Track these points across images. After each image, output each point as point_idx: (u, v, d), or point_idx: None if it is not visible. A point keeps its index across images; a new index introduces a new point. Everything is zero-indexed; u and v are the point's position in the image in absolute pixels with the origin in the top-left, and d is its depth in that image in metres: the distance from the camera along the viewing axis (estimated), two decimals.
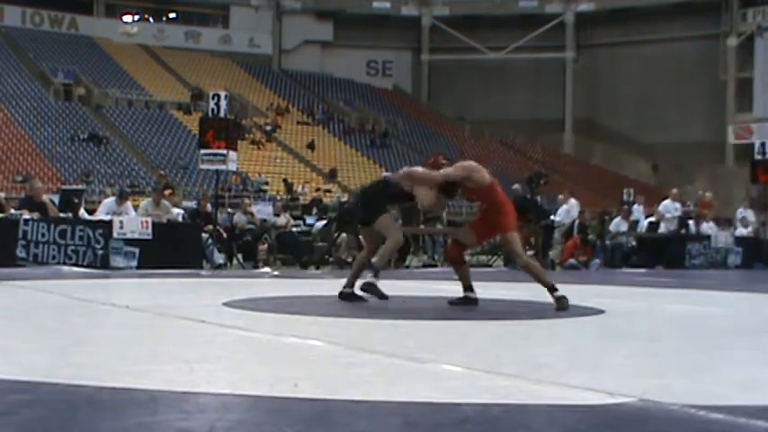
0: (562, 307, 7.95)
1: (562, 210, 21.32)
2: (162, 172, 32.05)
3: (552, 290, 8.14)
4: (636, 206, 23.37)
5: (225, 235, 17.84)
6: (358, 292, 8.41)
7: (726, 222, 23.05)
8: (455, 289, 8.75)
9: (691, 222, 21.95)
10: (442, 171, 8.40)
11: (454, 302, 8.48)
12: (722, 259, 21.49)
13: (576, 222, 20.93)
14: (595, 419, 3.48)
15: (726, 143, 56.09)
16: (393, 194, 8.68)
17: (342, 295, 8.50)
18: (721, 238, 21.74)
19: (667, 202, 22.29)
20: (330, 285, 9.86)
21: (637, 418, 3.49)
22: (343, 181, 45.73)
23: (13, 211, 15.48)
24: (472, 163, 8.68)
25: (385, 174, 8.96)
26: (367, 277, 8.27)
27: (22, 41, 54.48)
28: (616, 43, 60.17)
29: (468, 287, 8.60)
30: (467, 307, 8.36)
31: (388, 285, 8.74)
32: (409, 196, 8.58)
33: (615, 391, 3.84)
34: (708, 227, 21.99)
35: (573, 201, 21.29)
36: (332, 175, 46.21)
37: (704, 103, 56.67)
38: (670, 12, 57.39)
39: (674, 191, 23.84)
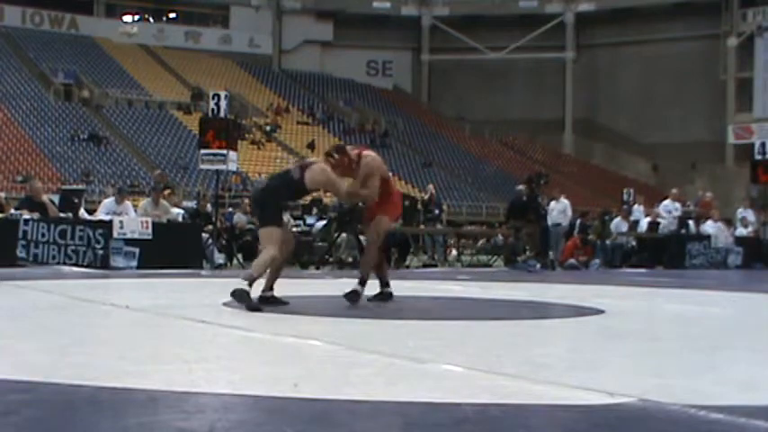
0: (350, 299, 7.99)
1: (557, 210, 21.31)
2: (159, 171, 32.03)
3: (362, 283, 8.18)
4: (636, 206, 23.36)
5: (224, 236, 17.84)
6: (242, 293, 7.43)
7: (726, 222, 23.05)
8: (456, 289, 8.75)
9: (691, 222, 21.94)
10: (348, 188, 8.24)
11: (372, 299, 8.43)
12: (722, 259, 21.49)
13: (578, 222, 20.94)
14: (595, 419, 3.48)
15: (726, 143, 56.09)
16: (297, 190, 8.05)
17: (260, 299, 7.69)
18: (721, 237, 21.74)
19: (667, 202, 22.28)
20: (330, 285, 9.86)
21: (637, 418, 3.49)
22: None
23: (13, 211, 15.47)
24: (374, 161, 8.31)
25: (290, 168, 8.46)
26: (242, 284, 7.35)
27: (22, 41, 54.50)
28: (616, 43, 60.20)
29: (385, 283, 8.60)
30: (384, 303, 8.43)
31: (390, 286, 8.72)
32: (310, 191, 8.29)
33: (615, 391, 3.83)
34: (711, 226, 21.98)
35: (564, 200, 21.25)
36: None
37: (704, 103, 56.68)
38: (670, 12, 57.41)
39: (674, 191, 23.85)
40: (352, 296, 8.06)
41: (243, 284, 7.34)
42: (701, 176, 50.40)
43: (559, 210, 20.93)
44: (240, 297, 7.29)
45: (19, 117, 45.00)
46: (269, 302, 7.72)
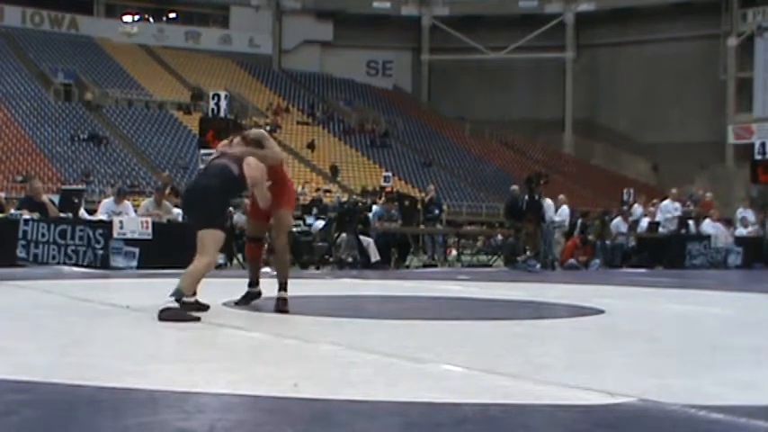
0: (280, 308, 7.37)
1: (558, 209, 21.33)
2: (165, 174, 32.05)
3: (283, 287, 7.55)
4: (636, 206, 23.35)
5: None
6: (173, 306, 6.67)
7: (726, 222, 23.05)
8: (456, 289, 8.75)
9: (691, 222, 21.93)
10: (257, 164, 7.18)
11: (239, 302, 7.79)
12: (722, 259, 21.48)
13: (579, 222, 20.95)
14: (595, 419, 3.48)
15: (726, 143, 56.11)
16: (238, 187, 7.28)
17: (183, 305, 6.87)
18: (721, 237, 21.74)
19: (667, 202, 22.28)
20: (330, 285, 9.86)
21: (636, 417, 3.49)
22: (344, 181, 45.75)
23: (13, 211, 15.46)
24: (268, 139, 7.57)
25: (224, 162, 7.14)
26: (171, 302, 6.56)
27: (22, 41, 54.52)
28: (616, 43, 60.21)
29: (255, 283, 7.91)
30: (252, 301, 7.84)
31: (390, 286, 8.73)
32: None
33: (615, 390, 3.84)
34: (711, 226, 21.97)
35: (548, 201, 21.26)
36: (333, 173, 46.25)
37: (704, 103, 56.68)
38: (670, 12, 57.41)
39: (674, 191, 23.83)
40: (282, 305, 7.48)
41: (171, 302, 6.52)
42: (701, 176, 50.39)
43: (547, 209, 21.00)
44: (174, 316, 6.41)
45: (19, 117, 45.01)
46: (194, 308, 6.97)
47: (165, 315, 6.40)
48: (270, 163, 7.33)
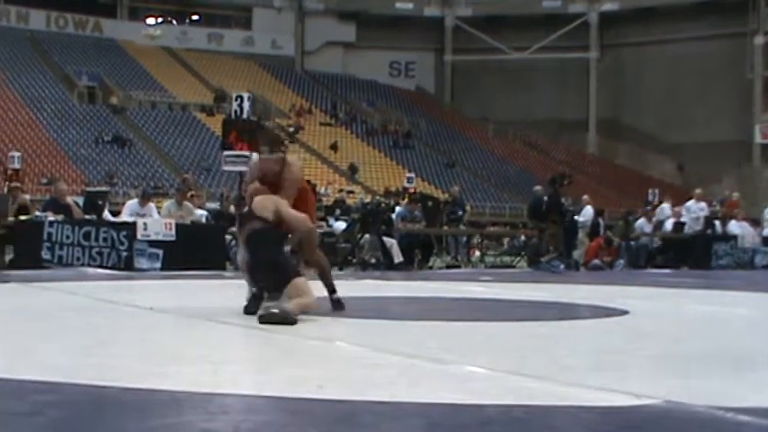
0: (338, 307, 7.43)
1: (581, 210, 21.27)
2: (186, 175, 32.15)
3: (333, 289, 7.58)
4: (663, 205, 23.19)
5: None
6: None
7: (753, 222, 22.88)
8: (480, 290, 8.72)
9: (717, 222, 21.78)
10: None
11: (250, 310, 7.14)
12: (749, 260, 21.32)
13: (600, 221, 20.87)
14: (620, 421, 3.46)
15: (753, 142, 55.70)
16: (280, 236, 7.18)
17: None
18: (748, 237, 21.58)
19: (691, 202, 22.14)
20: (353, 287, 9.85)
21: (662, 419, 3.46)
22: (366, 182, 45.76)
23: (38, 213, 15.56)
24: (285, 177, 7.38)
25: (257, 226, 7.05)
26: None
27: (46, 44, 54.88)
28: (640, 43, 59.89)
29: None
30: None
31: (413, 287, 8.72)
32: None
33: (640, 392, 3.81)
34: (736, 226, 21.82)
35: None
36: (353, 171, 46.29)
37: (730, 102, 56.27)
38: (695, 11, 57.03)
39: (698, 191, 23.67)
40: (340, 304, 7.56)
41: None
42: (728, 176, 50.03)
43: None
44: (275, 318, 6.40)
45: (44, 120, 45.30)
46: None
47: (268, 318, 6.35)
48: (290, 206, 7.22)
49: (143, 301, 8.46)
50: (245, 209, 7.37)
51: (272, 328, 6.27)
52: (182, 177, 23.77)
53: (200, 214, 17.19)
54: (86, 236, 14.48)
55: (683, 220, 21.48)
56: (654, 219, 21.89)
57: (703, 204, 22.25)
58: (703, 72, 56.49)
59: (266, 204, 7.10)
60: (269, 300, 6.81)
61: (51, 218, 14.69)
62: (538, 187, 20.51)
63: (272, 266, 6.94)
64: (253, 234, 7.08)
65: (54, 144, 43.08)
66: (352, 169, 46.64)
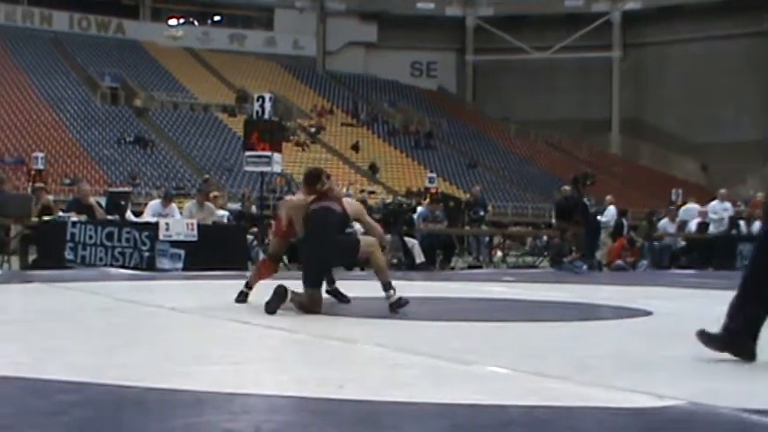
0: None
1: (604, 210, 21.17)
2: (207, 176, 32.27)
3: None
4: (690, 205, 23.02)
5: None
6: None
7: None
8: (502, 290, 8.70)
9: (742, 223, 21.61)
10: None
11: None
12: None
13: (624, 222, 20.77)
14: (644, 422, 3.44)
15: None
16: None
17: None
18: None
19: (715, 202, 22.00)
20: (374, 287, 9.83)
21: (686, 421, 3.44)
22: (388, 182, 45.76)
23: (61, 213, 15.64)
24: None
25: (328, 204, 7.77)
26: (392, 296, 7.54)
27: (69, 46, 55.21)
28: (663, 42, 59.60)
29: (251, 286, 8.46)
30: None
31: (435, 287, 8.70)
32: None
33: (664, 393, 3.78)
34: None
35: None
36: (373, 171, 46.31)
37: (755, 101, 55.93)
38: (718, 9, 56.68)
39: (723, 191, 23.51)
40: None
41: (393, 296, 7.44)
42: (752, 176, 49.70)
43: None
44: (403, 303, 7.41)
45: (66, 120, 45.56)
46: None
47: (400, 303, 7.34)
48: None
49: (165, 302, 8.49)
50: (319, 205, 7.76)
51: (292, 327, 6.28)
52: (203, 178, 23.92)
53: (222, 215, 17.23)
54: (109, 236, 14.55)
55: (708, 219, 21.31)
56: (677, 219, 21.76)
57: (728, 204, 22.09)
58: (727, 71, 56.15)
59: (355, 207, 8.16)
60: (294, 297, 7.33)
61: (74, 218, 14.76)
62: (566, 187, 20.40)
63: (343, 243, 7.81)
64: (332, 218, 7.68)
65: (77, 145, 43.32)
66: (374, 169, 46.67)
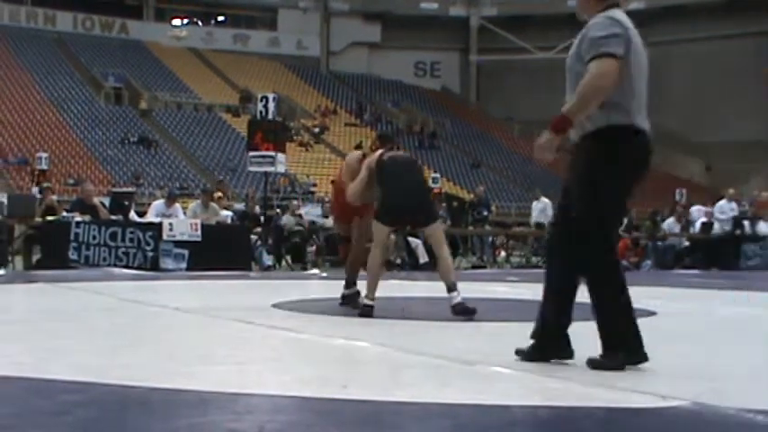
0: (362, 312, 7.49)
1: (537, 209, 21.49)
2: (221, 178, 32.29)
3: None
4: (695, 207, 23.01)
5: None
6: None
7: None
8: (505, 290, 8.69)
9: (746, 223, 21.59)
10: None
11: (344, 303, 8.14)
12: None
13: (624, 221, 20.76)
14: (647, 423, 3.43)
15: None
16: None
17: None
18: None
19: (723, 202, 21.97)
20: (378, 287, 9.83)
21: (690, 421, 3.44)
22: None
23: (64, 213, 15.66)
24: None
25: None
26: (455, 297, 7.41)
27: (73, 46, 55.22)
28: (667, 41, 59.50)
29: (351, 283, 8.39)
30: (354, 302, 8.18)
31: (438, 287, 8.70)
32: None
33: (667, 393, 3.78)
34: (765, 226, 21.60)
35: (545, 200, 21.25)
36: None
37: (759, 101, 55.80)
38: (721, 9, 56.60)
39: (731, 191, 23.46)
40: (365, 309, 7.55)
41: (455, 296, 7.33)
42: (755, 176, 49.60)
43: (540, 209, 21.01)
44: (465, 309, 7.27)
45: (70, 121, 45.58)
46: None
47: (461, 308, 7.25)
48: None
49: (169, 302, 8.49)
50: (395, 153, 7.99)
51: (296, 328, 6.29)
52: (217, 180, 23.90)
53: (226, 215, 17.24)
54: (113, 236, 14.56)
55: (714, 219, 21.28)
56: (683, 219, 21.75)
57: (734, 204, 22.08)
58: (730, 71, 56.05)
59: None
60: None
61: (78, 218, 14.77)
62: None
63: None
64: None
65: (80, 145, 43.34)
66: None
